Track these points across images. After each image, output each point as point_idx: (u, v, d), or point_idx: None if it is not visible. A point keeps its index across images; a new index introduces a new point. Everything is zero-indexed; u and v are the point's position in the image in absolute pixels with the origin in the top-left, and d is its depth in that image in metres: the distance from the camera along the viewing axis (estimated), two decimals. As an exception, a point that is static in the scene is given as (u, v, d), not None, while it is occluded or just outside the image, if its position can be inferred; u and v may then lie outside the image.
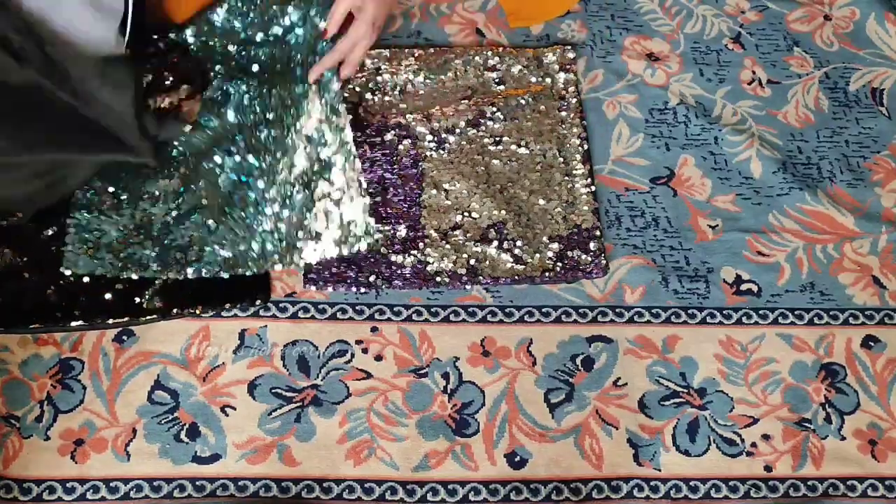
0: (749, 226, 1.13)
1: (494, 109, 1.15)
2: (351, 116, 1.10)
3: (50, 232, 1.02)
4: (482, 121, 1.14)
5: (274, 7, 1.11)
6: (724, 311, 1.07)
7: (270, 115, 1.08)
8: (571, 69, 1.20)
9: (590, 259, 1.07)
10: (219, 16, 1.11)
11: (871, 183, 1.18)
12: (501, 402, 1.00)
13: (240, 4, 1.11)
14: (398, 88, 1.17)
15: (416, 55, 1.19)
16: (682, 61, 1.25)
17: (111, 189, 1.03)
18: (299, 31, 1.12)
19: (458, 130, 1.14)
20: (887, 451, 1.01)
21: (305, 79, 1.10)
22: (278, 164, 1.05)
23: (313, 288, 1.03)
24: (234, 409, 0.97)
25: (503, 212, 1.09)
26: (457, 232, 1.07)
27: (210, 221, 1.02)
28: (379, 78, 1.17)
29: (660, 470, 0.98)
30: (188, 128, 1.05)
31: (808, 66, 1.27)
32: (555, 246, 1.07)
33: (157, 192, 1.03)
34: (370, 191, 1.08)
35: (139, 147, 1.00)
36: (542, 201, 1.10)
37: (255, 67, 1.10)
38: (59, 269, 0.99)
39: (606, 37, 1.26)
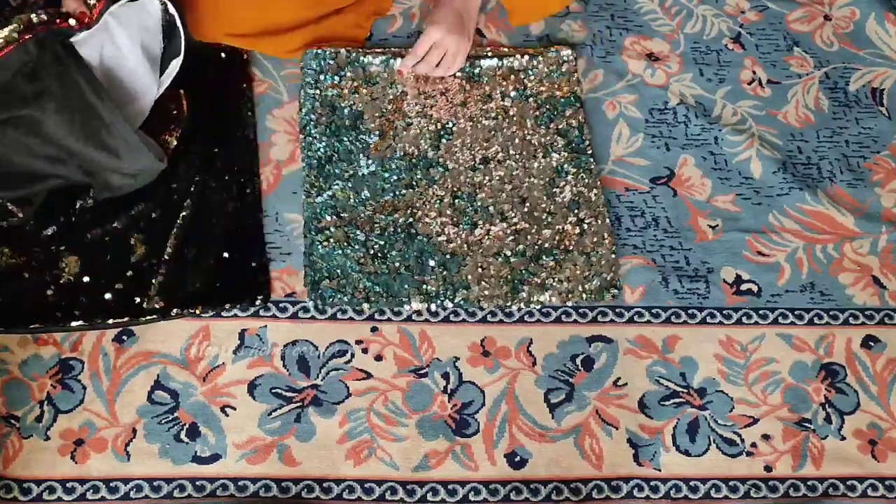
0: (749, 226, 1.13)
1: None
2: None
3: (50, 232, 1.02)
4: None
5: None
6: (724, 311, 1.07)
7: None
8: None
9: None
10: None
11: (871, 183, 1.18)
12: (501, 402, 1.00)
13: None
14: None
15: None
16: (682, 61, 1.25)
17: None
18: None
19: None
20: (887, 451, 1.01)
21: None
22: None
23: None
24: (234, 409, 0.97)
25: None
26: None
27: None
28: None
29: (660, 470, 0.98)
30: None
31: (808, 66, 1.27)
32: None
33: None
34: None
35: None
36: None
37: None
38: (58, 269, 0.99)
39: (606, 37, 1.26)
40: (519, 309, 1.05)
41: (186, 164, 1.08)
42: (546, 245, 1.08)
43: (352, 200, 1.09)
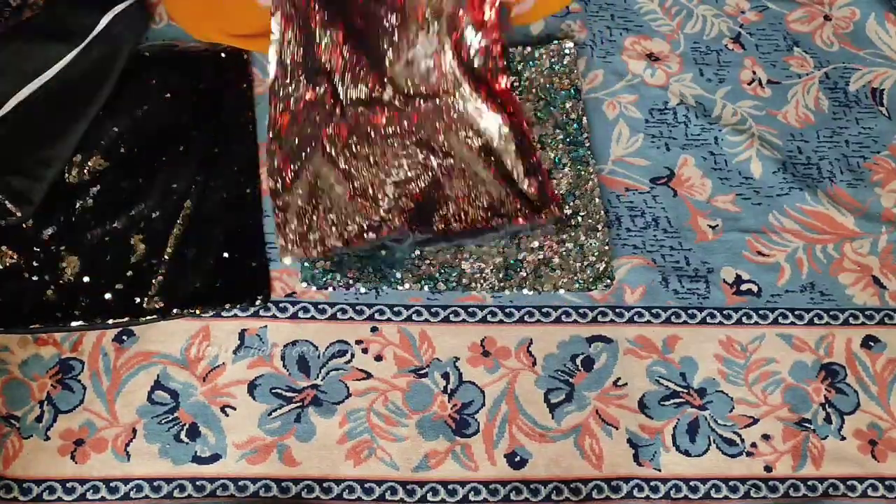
0: (749, 226, 1.13)
1: None
2: None
3: (50, 231, 1.02)
4: None
5: None
6: (724, 312, 1.07)
7: None
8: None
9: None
10: None
11: (871, 183, 1.18)
12: (501, 402, 1.00)
13: None
14: None
15: None
16: (682, 61, 1.25)
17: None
18: None
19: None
20: (887, 451, 1.01)
21: None
22: None
23: (314, 288, 1.03)
24: (234, 409, 0.97)
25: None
26: None
27: None
28: None
29: (660, 470, 0.98)
30: None
31: (808, 67, 1.27)
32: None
33: None
34: None
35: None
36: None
37: None
38: (58, 269, 1.00)
39: (606, 37, 1.26)
40: (511, 294, 1.05)
41: (186, 164, 1.08)
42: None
43: None
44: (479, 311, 1.05)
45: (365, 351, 1.01)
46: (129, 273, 1.01)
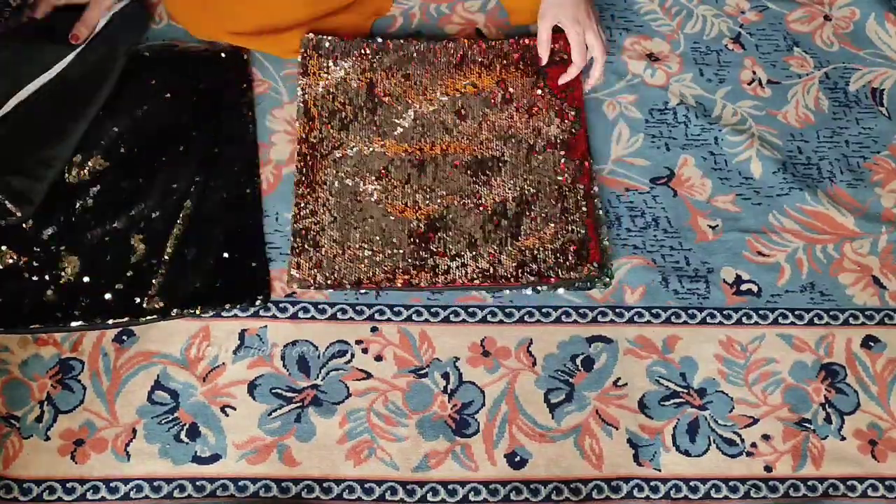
0: (749, 226, 1.13)
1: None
2: None
3: (50, 231, 1.02)
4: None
5: None
6: (724, 312, 1.07)
7: None
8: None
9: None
10: None
11: (871, 183, 1.18)
12: (501, 402, 1.00)
13: None
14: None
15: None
16: (682, 61, 1.25)
17: None
18: None
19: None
20: (887, 451, 1.01)
21: None
22: None
23: (313, 288, 1.03)
24: (234, 409, 0.97)
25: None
26: None
27: None
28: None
29: (660, 470, 0.98)
30: None
31: (808, 67, 1.27)
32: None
33: None
34: None
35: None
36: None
37: None
38: (58, 270, 1.00)
39: (606, 37, 1.26)
40: (511, 294, 1.05)
41: (186, 164, 1.08)
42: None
43: None
44: (479, 311, 1.05)
45: (365, 351, 1.01)
46: (129, 273, 1.01)
